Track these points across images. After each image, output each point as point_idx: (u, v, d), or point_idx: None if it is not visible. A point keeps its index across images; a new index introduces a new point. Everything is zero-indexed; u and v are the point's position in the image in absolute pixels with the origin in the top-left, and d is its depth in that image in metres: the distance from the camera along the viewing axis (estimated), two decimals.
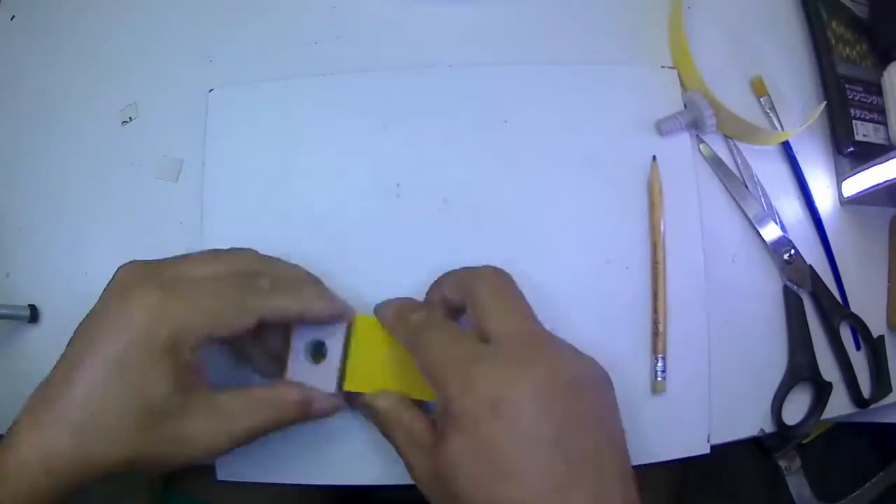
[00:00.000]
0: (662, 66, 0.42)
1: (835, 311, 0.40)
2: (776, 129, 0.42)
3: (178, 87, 0.42)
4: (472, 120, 0.40)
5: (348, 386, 0.34)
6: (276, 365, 0.34)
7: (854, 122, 0.42)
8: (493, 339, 0.29)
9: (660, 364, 0.37)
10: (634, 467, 0.36)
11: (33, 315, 0.40)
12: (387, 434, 0.32)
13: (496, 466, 0.25)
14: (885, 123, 0.42)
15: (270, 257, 0.34)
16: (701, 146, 0.41)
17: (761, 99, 0.42)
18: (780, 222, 0.41)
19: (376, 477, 0.36)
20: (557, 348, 0.29)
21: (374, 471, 0.36)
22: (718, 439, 0.38)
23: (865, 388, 0.41)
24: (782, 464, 0.60)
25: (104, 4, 0.45)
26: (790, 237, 0.41)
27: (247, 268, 0.32)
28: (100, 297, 0.29)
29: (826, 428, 0.61)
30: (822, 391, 0.40)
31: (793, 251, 0.40)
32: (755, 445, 0.62)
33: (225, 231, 0.39)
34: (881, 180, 0.39)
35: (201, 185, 0.40)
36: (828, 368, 0.40)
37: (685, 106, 0.41)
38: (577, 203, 0.39)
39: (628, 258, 0.39)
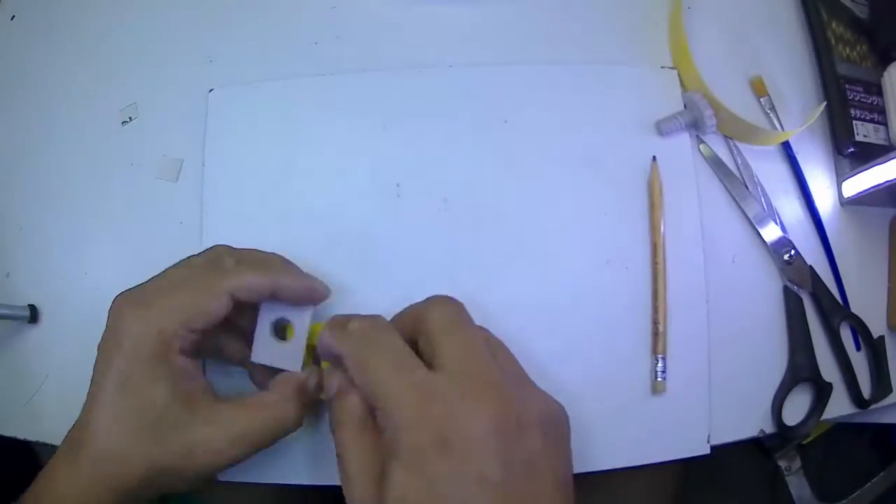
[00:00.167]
0: (662, 66, 0.42)
1: (835, 311, 0.40)
2: (776, 129, 0.42)
3: (178, 87, 0.42)
4: (472, 120, 0.40)
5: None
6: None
7: (854, 122, 0.42)
8: (445, 369, 0.27)
9: (660, 364, 0.37)
10: (634, 467, 0.37)
11: (33, 315, 0.40)
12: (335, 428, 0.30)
13: None
14: (885, 124, 0.42)
15: (242, 248, 0.34)
16: (701, 146, 0.41)
17: (761, 99, 0.42)
18: (780, 223, 0.41)
19: None
20: (509, 385, 0.28)
21: None
22: (718, 440, 0.38)
23: (865, 389, 0.41)
24: (782, 464, 0.60)
25: (104, 4, 0.45)
26: (790, 237, 0.41)
27: (214, 256, 0.32)
28: (103, 332, 0.30)
29: (826, 428, 0.61)
30: (822, 392, 0.40)
31: (793, 251, 0.40)
32: (755, 446, 0.62)
33: (225, 231, 0.39)
34: (881, 181, 0.39)
35: (201, 185, 0.40)
36: (828, 369, 0.40)
37: (685, 106, 0.41)
38: (577, 203, 0.39)
39: (628, 258, 0.39)
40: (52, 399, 0.39)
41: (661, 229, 0.38)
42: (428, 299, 0.31)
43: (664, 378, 0.37)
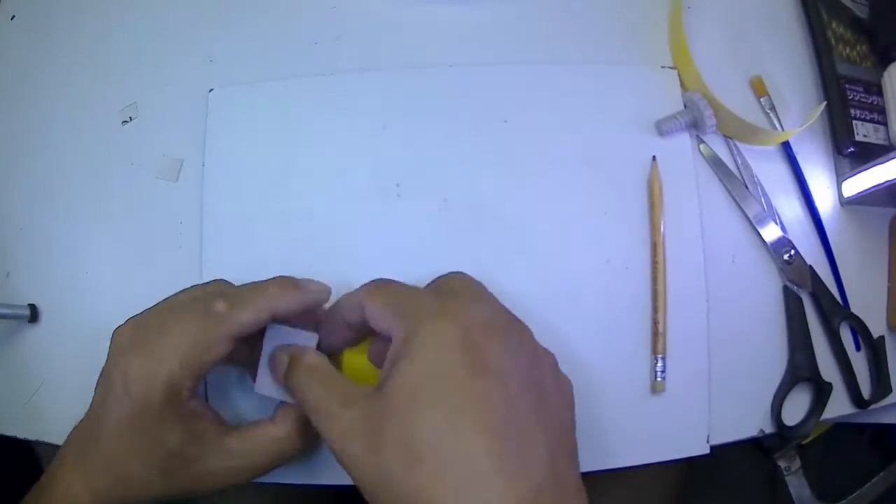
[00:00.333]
0: (662, 66, 0.42)
1: (835, 311, 0.40)
2: (776, 129, 0.42)
3: (178, 87, 0.42)
4: (472, 120, 0.40)
5: None
6: None
7: (854, 122, 0.42)
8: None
9: (659, 364, 0.37)
10: (635, 467, 0.37)
11: (33, 315, 0.40)
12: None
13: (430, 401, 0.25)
14: (885, 124, 0.42)
15: (238, 286, 0.34)
16: (701, 146, 0.41)
17: (761, 99, 0.42)
18: (780, 222, 0.41)
19: None
20: (480, 302, 0.30)
21: None
22: (718, 440, 0.38)
23: (865, 389, 0.41)
24: (782, 464, 0.60)
25: (104, 4, 0.45)
26: (790, 237, 0.41)
27: (208, 299, 0.31)
28: (107, 357, 0.31)
29: (826, 428, 0.61)
30: (821, 392, 0.40)
31: (793, 251, 0.40)
32: (755, 446, 0.62)
33: (225, 231, 0.39)
34: (881, 181, 0.39)
35: (201, 185, 0.40)
36: (828, 369, 0.40)
37: (685, 106, 0.41)
38: (577, 203, 0.39)
39: (628, 258, 0.39)
40: (51, 399, 0.39)
41: (661, 229, 0.38)
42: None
43: (664, 378, 0.37)
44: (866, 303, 0.42)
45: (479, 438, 0.24)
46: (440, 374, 0.25)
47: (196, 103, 0.41)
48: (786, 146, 0.42)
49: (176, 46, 0.43)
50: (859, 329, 0.41)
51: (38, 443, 0.39)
